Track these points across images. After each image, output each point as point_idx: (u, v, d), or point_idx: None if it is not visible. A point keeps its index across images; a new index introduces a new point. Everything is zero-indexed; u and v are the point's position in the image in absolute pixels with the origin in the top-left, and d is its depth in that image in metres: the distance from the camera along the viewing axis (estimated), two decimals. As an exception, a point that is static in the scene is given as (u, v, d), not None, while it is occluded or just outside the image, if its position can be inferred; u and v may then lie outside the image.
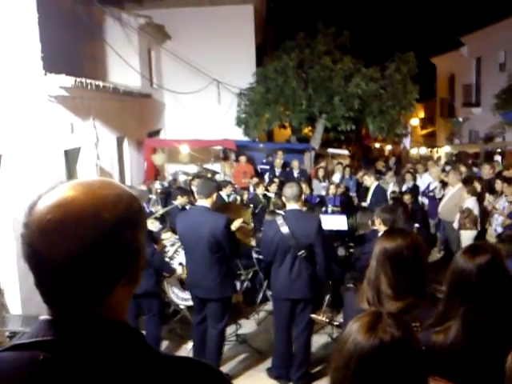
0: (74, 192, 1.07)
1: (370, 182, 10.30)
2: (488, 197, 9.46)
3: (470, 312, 2.19)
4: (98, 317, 1.06)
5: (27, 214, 1.07)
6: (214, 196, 5.47)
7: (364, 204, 10.35)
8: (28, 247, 1.04)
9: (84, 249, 1.01)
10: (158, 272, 6.01)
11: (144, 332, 5.72)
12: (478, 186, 9.57)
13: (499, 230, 8.36)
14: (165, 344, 6.62)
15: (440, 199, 10.41)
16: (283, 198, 5.48)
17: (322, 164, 14.36)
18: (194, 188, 8.76)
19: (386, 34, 35.32)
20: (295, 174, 12.99)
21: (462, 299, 2.28)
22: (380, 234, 4.91)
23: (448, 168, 13.35)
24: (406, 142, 20.48)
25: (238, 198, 10.41)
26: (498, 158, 17.11)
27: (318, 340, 6.44)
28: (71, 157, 8.29)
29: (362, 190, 11.87)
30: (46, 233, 1.02)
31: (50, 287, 1.05)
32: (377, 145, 30.91)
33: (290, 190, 5.28)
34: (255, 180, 11.53)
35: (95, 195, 1.07)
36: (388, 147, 29.63)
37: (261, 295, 7.59)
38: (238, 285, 7.52)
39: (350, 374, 1.54)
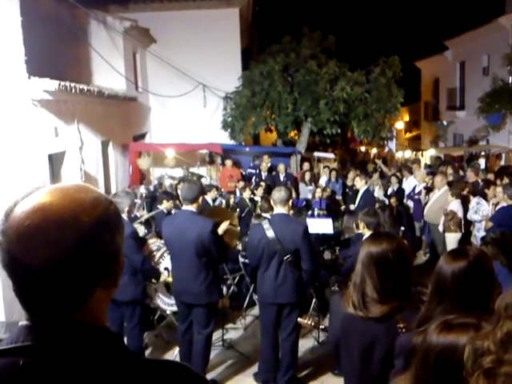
0: (51, 197, 1.06)
1: (361, 184, 10.28)
2: (472, 199, 9.53)
3: (446, 313, 2.21)
4: (78, 321, 1.06)
5: (4, 221, 1.05)
6: (200, 200, 5.43)
7: (352, 207, 10.38)
8: (6, 254, 1.03)
9: (64, 253, 1.01)
10: (146, 278, 5.91)
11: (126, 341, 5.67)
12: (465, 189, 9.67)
13: (480, 234, 8.44)
14: (151, 349, 6.58)
15: (426, 203, 10.48)
16: (271, 202, 5.47)
17: (308, 167, 14.40)
18: (179, 192, 8.73)
19: (370, 38, 35.69)
20: (281, 178, 13.01)
21: (439, 300, 2.30)
22: (365, 238, 4.93)
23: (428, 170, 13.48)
24: (392, 145, 20.57)
25: (224, 201, 10.38)
26: (481, 160, 17.30)
27: (305, 344, 6.44)
28: (56, 161, 8.22)
29: (351, 193, 11.89)
30: (24, 239, 1.01)
31: (30, 293, 1.04)
32: (362, 148, 31.11)
33: (277, 193, 5.25)
34: (241, 184, 11.52)
35: (73, 199, 1.07)
36: (373, 150, 29.83)
37: (247, 300, 7.57)
38: (225, 289, 7.49)
39: None
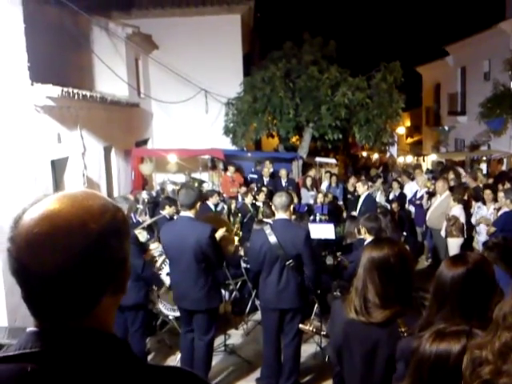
0: (59, 204, 1.07)
1: (363, 190, 10.30)
2: (474, 204, 9.54)
3: (445, 319, 2.21)
4: (86, 327, 1.06)
5: (13, 228, 1.06)
6: (198, 206, 5.45)
7: (354, 213, 10.37)
8: (15, 261, 1.03)
9: (72, 260, 1.01)
10: (147, 284, 5.92)
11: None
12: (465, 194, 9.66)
13: (481, 239, 8.44)
14: (153, 355, 6.58)
15: (427, 208, 10.48)
16: (273, 207, 5.48)
17: (310, 173, 14.41)
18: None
19: (372, 43, 35.78)
20: (283, 183, 13.02)
21: (439, 306, 2.31)
22: (366, 243, 4.95)
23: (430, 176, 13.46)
24: (393, 150, 20.56)
25: (226, 207, 10.40)
26: (483, 165, 17.29)
27: (307, 349, 6.43)
28: (58, 167, 8.24)
29: (353, 199, 11.90)
30: (33, 246, 1.01)
31: (38, 300, 1.04)
32: (364, 153, 31.12)
33: (278, 199, 5.27)
34: (243, 189, 11.53)
35: (81, 206, 1.07)
36: (375, 156, 29.83)
37: (249, 305, 7.56)
38: (227, 294, 7.50)
39: None
